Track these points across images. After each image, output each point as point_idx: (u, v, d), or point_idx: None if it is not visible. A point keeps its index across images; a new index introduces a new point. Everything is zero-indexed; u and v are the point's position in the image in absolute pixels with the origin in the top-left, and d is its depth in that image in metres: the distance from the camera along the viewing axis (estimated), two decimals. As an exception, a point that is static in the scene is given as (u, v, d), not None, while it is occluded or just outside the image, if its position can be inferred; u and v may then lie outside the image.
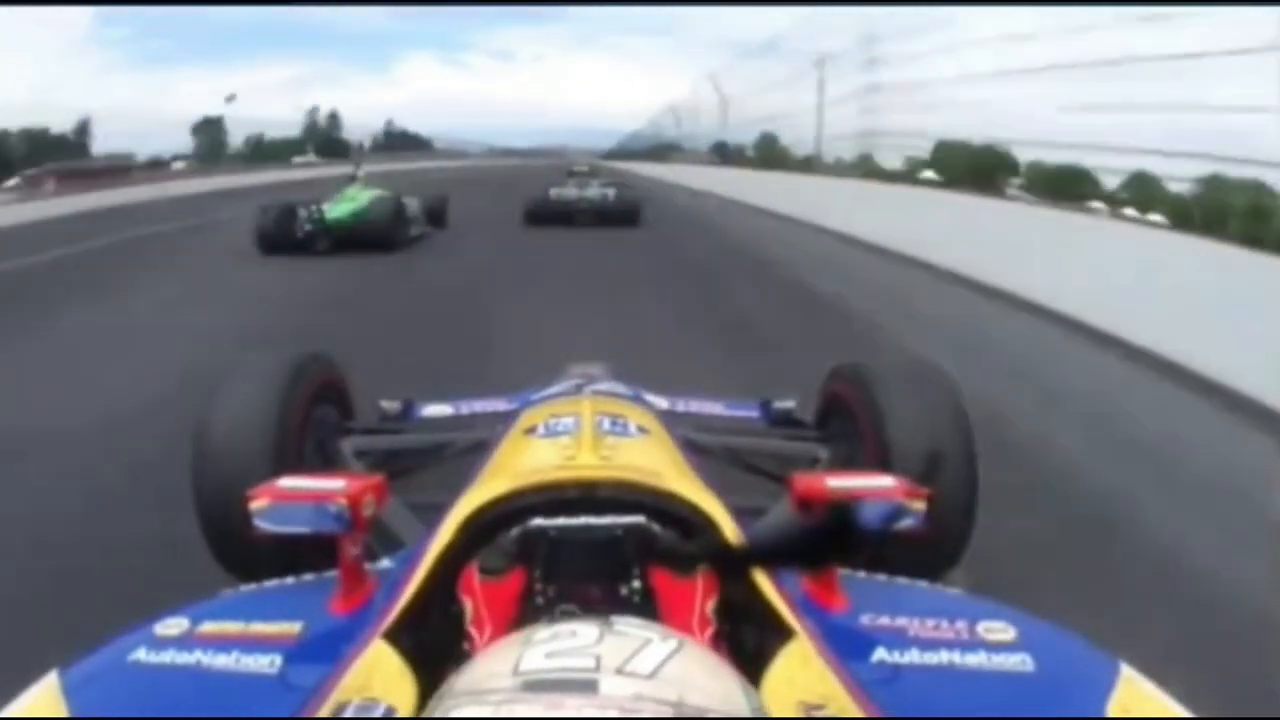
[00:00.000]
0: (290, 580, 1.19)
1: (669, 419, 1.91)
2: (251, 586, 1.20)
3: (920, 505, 1.19)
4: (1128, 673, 0.98)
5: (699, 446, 1.90)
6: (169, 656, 0.96)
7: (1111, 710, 0.93)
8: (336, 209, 9.02)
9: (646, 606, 0.97)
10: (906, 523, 1.19)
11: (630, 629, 0.64)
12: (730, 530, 1.08)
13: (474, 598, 1.00)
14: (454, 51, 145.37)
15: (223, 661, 0.96)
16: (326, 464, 2.02)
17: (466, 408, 2.58)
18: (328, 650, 0.96)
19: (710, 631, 1.00)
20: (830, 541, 0.91)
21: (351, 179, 9.99)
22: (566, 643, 0.61)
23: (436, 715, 0.57)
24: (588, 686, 0.56)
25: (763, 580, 1.03)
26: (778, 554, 0.99)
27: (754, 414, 2.55)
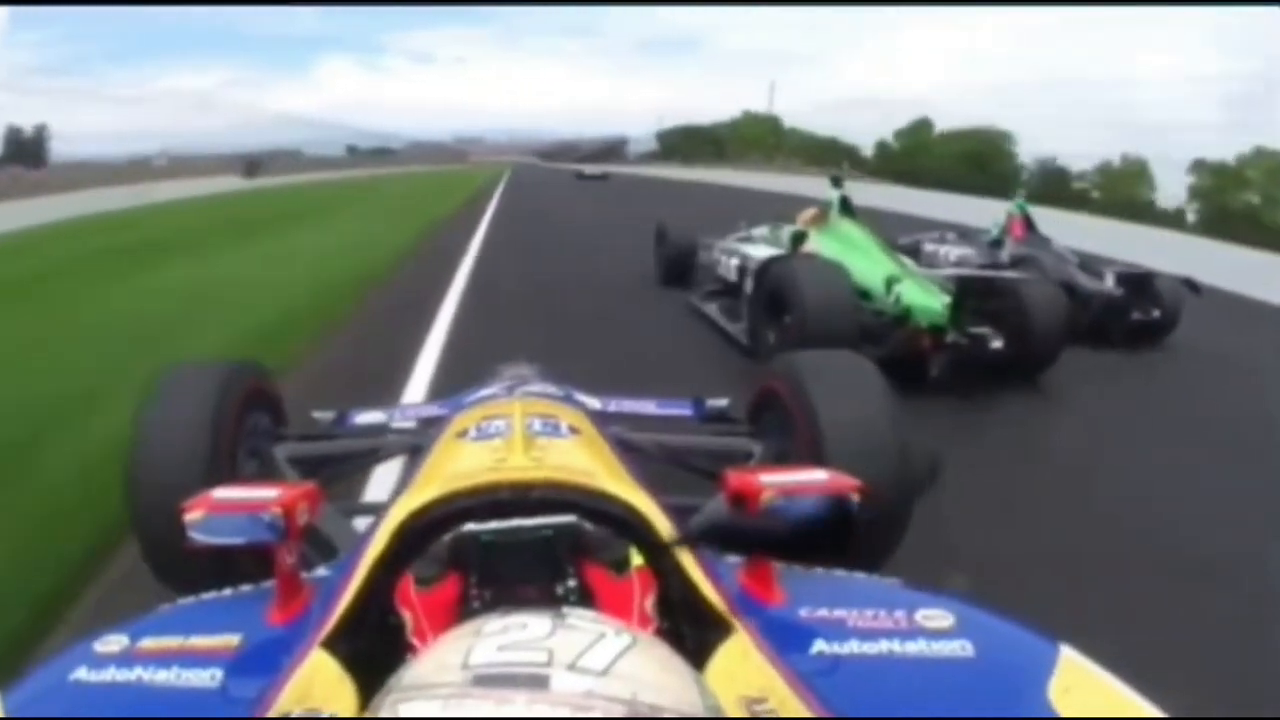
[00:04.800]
0: (228, 592, 1.19)
1: (600, 418, 1.93)
2: (190, 600, 1.18)
3: (854, 498, 1.21)
4: (1068, 653, 1.00)
5: (631, 445, 1.92)
6: (110, 674, 0.96)
7: (1054, 691, 0.94)
8: None
9: (583, 605, 0.96)
10: (841, 515, 1.21)
11: (583, 623, 0.63)
12: (664, 527, 1.08)
13: (412, 608, 1.01)
14: (372, 54, 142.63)
15: (163, 677, 0.96)
16: (261, 472, 2.03)
17: (399, 414, 2.61)
18: (267, 661, 0.96)
19: (651, 629, 1.01)
20: (830, 535, 0.92)
21: None
22: (517, 635, 0.60)
23: (384, 713, 0.57)
24: (539, 682, 0.55)
25: (698, 576, 1.04)
26: (775, 546, 1.02)
27: (686, 412, 2.59)
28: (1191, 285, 6.90)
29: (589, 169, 39.79)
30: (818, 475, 1.27)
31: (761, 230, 7.47)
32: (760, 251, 6.24)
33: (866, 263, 5.38)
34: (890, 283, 4.98)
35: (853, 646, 1.02)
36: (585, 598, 1.02)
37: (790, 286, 4.85)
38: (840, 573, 1.23)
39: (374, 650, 0.95)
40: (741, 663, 0.93)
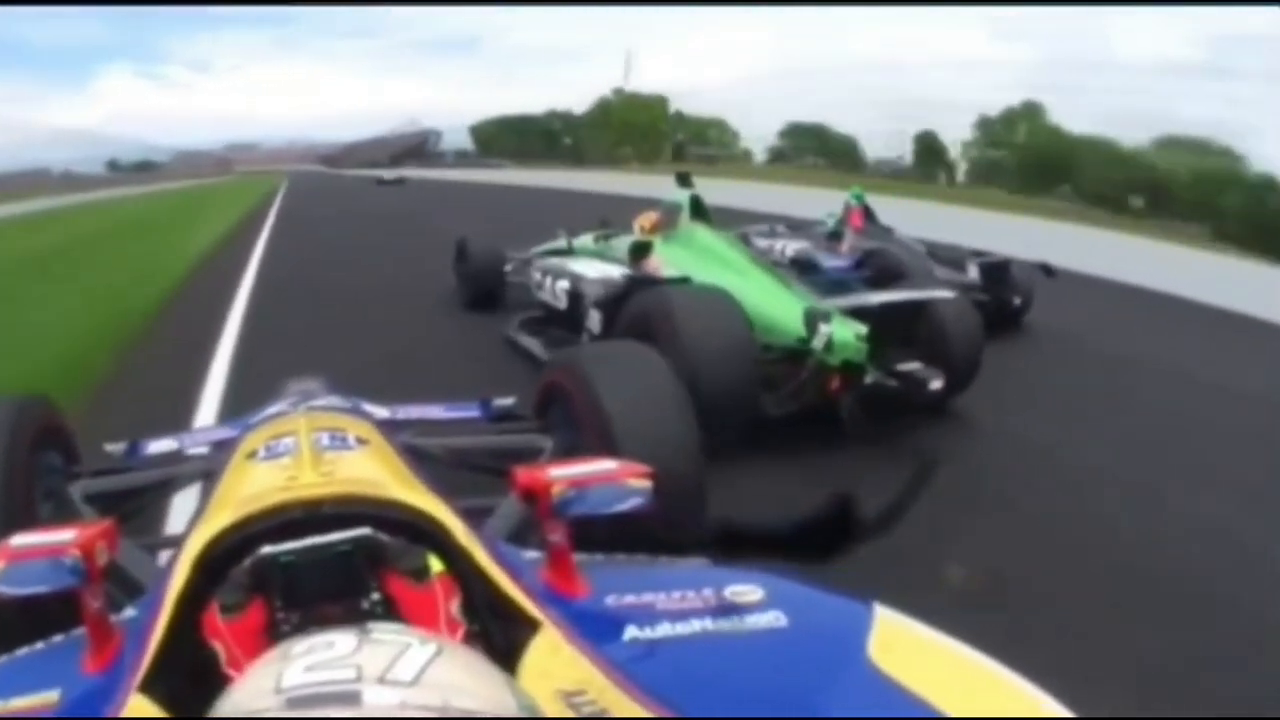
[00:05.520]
0: (40, 645, 1.16)
1: (389, 427, 1.95)
2: (2, 658, 1.13)
3: (646, 485, 1.27)
4: (883, 612, 1.05)
5: (420, 451, 1.96)
6: None
7: (873, 649, 0.98)
8: None
9: (389, 617, 1.02)
10: (635, 503, 1.25)
11: (388, 635, 0.65)
12: (460, 533, 1.13)
13: (222, 639, 1.02)
14: (151, 64, 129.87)
15: None
16: (58, 514, 1.98)
17: (190, 440, 2.64)
18: (89, 712, 0.96)
19: (461, 633, 1.05)
20: (832, 530, 1.01)
21: None
22: (324, 654, 0.62)
23: None
24: (351, 698, 0.57)
25: (499, 575, 1.09)
26: (777, 544, 1.09)
27: (474, 414, 2.64)
28: (1047, 270, 6.57)
29: (387, 174, 37.30)
30: (607, 465, 1.31)
31: (584, 240, 6.24)
32: (593, 270, 5.26)
33: (740, 281, 4.37)
34: (809, 316, 3.92)
35: (665, 629, 1.05)
36: (390, 610, 1.05)
37: (665, 324, 3.72)
38: (643, 557, 1.30)
39: (191, 687, 0.96)
40: (553, 657, 0.97)
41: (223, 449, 1.99)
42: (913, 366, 4.01)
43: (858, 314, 3.95)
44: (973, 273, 6.16)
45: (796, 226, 7.73)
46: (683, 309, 3.73)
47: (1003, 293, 6.25)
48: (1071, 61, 44.69)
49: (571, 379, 2.21)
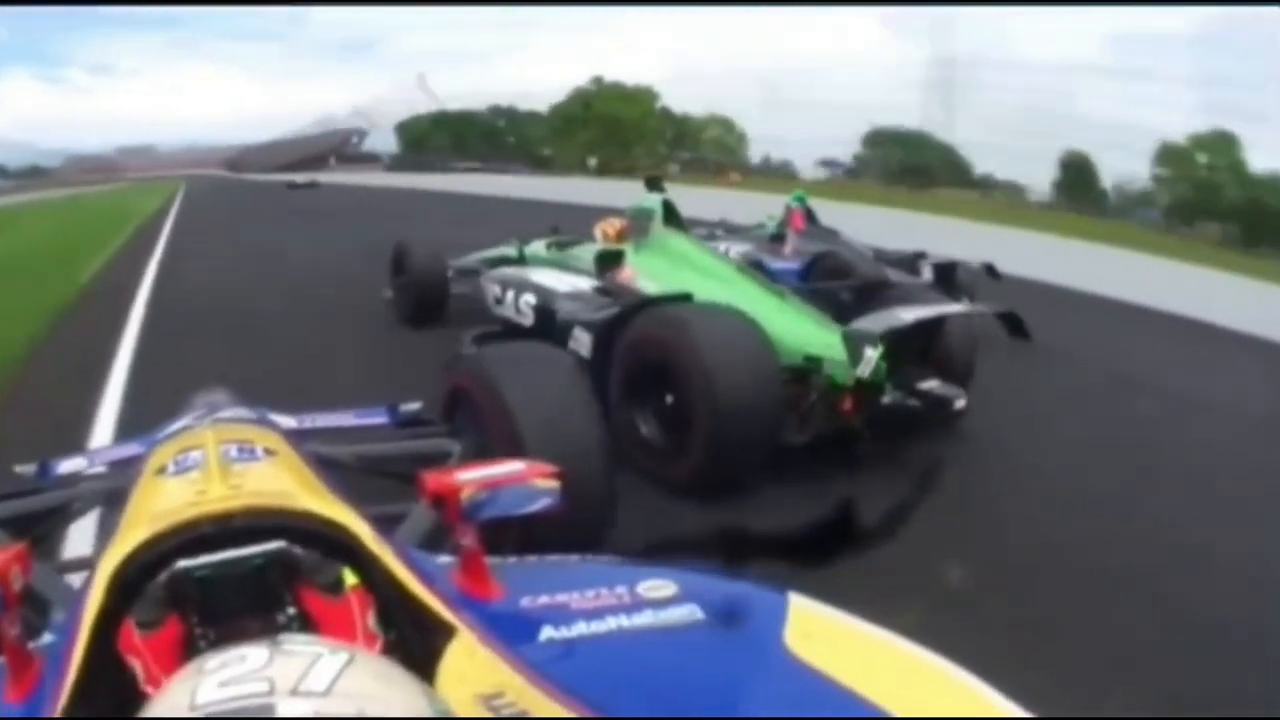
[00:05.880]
0: None
1: (297, 436, 1.95)
2: None
3: (554, 485, 1.30)
4: (798, 600, 1.07)
5: (329, 459, 1.96)
6: None
7: (790, 637, 1.00)
8: None
9: (306, 631, 1.04)
10: (544, 503, 1.29)
11: (299, 646, 0.67)
12: (371, 541, 1.14)
13: (140, 656, 1.02)
14: (52, 67, 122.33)
15: None
16: None
17: (100, 458, 2.58)
18: None
19: (379, 644, 1.07)
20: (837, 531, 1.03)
21: None
22: (237, 669, 0.63)
23: None
24: (265, 711, 0.58)
25: (412, 583, 1.11)
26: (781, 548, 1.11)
27: (382, 419, 2.63)
28: (991, 271, 6.50)
29: (300, 178, 35.86)
30: (515, 466, 1.34)
31: (536, 247, 5.72)
32: (562, 283, 4.80)
33: (732, 294, 4.00)
34: (852, 340, 3.54)
35: (581, 628, 1.06)
36: (307, 623, 1.06)
37: (682, 349, 3.35)
38: (554, 558, 1.32)
39: (112, 710, 0.98)
40: (470, 662, 0.98)
41: (132, 465, 2.00)
42: (932, 384, 3.71)
43: (907, 335, 3.60)
44: (927, 274, 6.11)
45: (736, 229, 7.55)
46: (701, 331, 3.36)
47: (950, 293, 6.05)
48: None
49: (476, 381, 2.25)
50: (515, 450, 1.92)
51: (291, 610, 1.05)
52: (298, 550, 1.10)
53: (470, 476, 1.25)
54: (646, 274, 4.43)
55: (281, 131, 62.30)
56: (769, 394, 3.28)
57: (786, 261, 6.13)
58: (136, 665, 1.01)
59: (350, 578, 1.12)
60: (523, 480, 1.27)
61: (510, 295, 4.91)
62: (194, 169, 57.15)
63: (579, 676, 0.93)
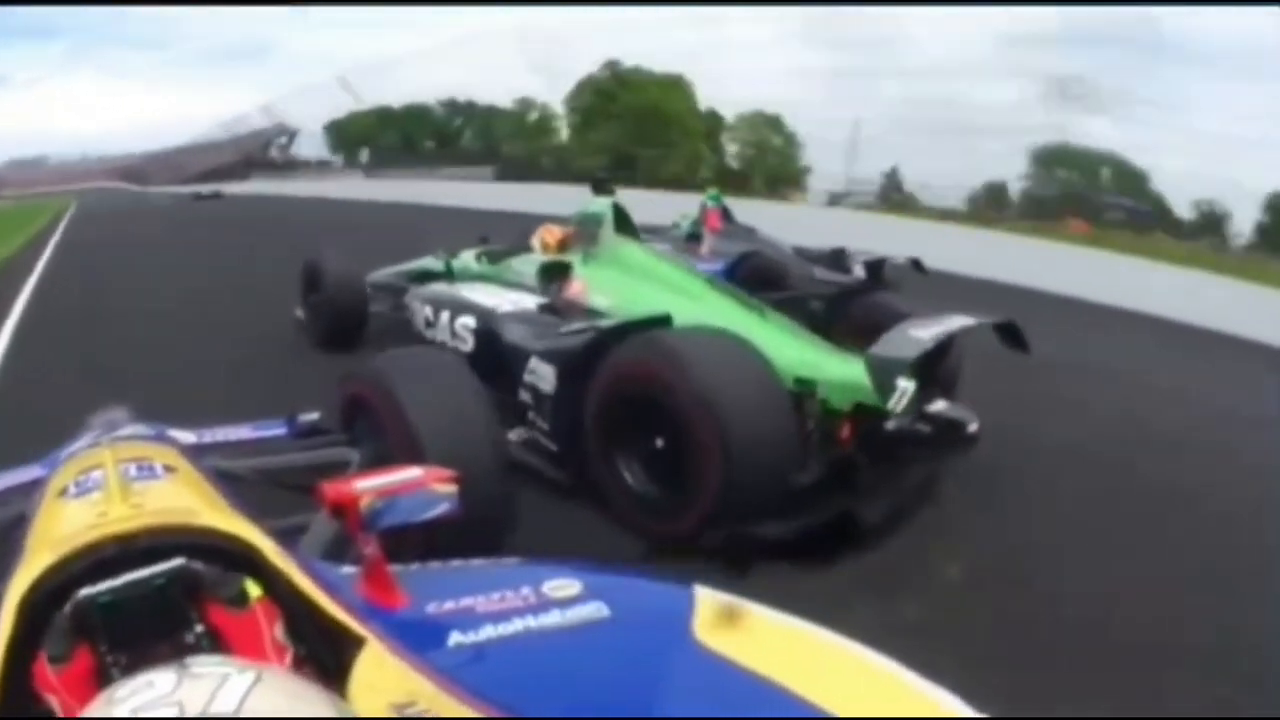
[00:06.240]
0: None
1: (196, 452, 1.96)
2: None
3: (452, 490, 1.32)
4: (704, 593, 1.09)
5: (229, 474, 1.96)
6: None
7: (698, 629, 1.01)
8: None
9: (215, 648, 1.04)
10: (443, 509, 1.30)
11: (206, 668, 0.67)
12: (273, 554, 1.16)
13: (54, 691, 1.01)
14: None
15: None
16: None
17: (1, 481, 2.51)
18: None
19: (289, 657, 1.07)
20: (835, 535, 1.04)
21: None
22: (146, 696, 0.63)
23: None
24: None
25: (316, 594, 1.12)
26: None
27: (281, 431, 2.61)
28: (918, 266, 6.31)
29: (205, 189, 33.52)
30: (414, 473, 1.34)
31: (465, 259, 5.14)
32: (503, 301, 4.16)
33: (704, 312, 3.52)
34: (880, 368, 3.09)
35: (489, 631, 1.07)
36: (215, 639, 1.07)
37: (676, 382, 2.83)
38: (457, 562, 1.34)
39: None
40: (380, 671, 0.99)
41: (35, 489, 1.98)
42: (941, 406, 3.21)
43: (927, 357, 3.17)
44: (859, 271, 5.74)
45: (650, 230, 7.10)
46: (697, 360, 2.85)
47: (880, 289, 5.79)
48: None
49: (373, 389, 2.27)
50: (415, 456, 1.95)
51: (199, 628, 1.06)
52: (198, 565, 1.11)
53: (368, 485, 1.26)
54: (598, 288, 3.93)
55: (187, 137, 57.45)
56: (783, 428, 2.83)
57: (705, 262, 5.70)
58: (54, 702, 1.00)
59: (254, 589, 1.13)
60: (421, 486, 1.28)
61: (445, 317, 4.22)
62: (88, 182, 52.12)
63: (490, 680, 0.95)
